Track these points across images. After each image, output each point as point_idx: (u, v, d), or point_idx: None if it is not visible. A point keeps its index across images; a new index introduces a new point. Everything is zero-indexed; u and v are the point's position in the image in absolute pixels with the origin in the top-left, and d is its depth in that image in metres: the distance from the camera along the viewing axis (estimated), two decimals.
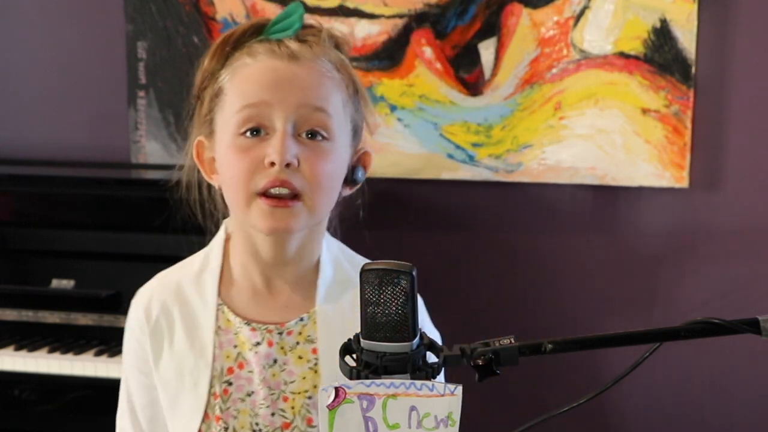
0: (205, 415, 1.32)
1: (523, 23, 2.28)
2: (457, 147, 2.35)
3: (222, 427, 1.31)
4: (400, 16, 2.34)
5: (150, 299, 1.37)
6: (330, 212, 1.37)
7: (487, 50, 2.31)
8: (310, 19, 1.35)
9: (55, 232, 2.27)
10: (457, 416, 1.01)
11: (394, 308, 1.01)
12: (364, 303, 1.02)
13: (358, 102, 1.35)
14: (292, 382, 1.31)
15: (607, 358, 2.24)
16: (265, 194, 1.25)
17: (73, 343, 2.15)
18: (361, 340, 1.03)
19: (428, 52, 2.34)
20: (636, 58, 2.24)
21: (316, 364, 1.32)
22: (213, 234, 1.42)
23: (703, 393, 2.35)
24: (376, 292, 1.01)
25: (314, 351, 1.32)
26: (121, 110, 2.55)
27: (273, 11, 2.40)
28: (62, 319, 2.17)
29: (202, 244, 1.43)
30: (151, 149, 2.53)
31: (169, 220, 2.23)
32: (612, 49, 2.25)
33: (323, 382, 1.27)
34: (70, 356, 2.09)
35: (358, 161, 1.37)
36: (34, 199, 2.36)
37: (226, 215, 1.40)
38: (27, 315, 2.19)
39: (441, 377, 1.05)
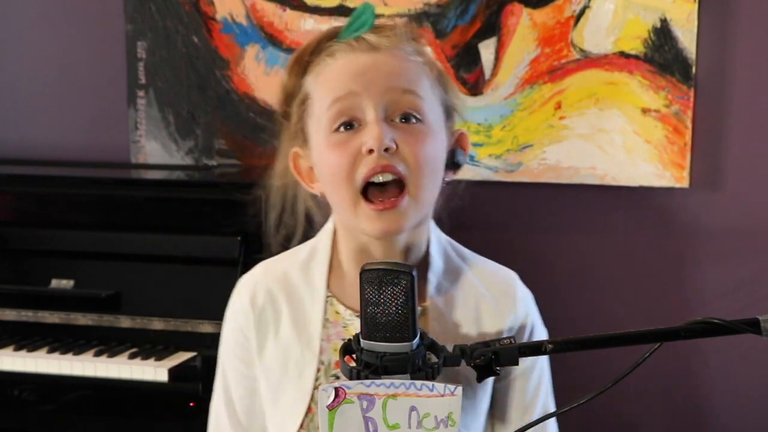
0: (308, 409, 1.28)
1: (523, 23, 2.28)
2: None
3: None
4: (400, 16, 2.34)
5: (255, 287, 1.33)
6: (435, 202, 1.33)
7: (487, 50, 2.31)
8: (381, 20, 1.33)
9: (55, 232, 2.26)
10: (457, 416, 1.01)
11: (394, 308, 1.01)
12: (364, 303, 1.02)
13: (445, 84, 1.33)
14: None
15: (607, 358, 2.23)
16: (370, 198, 1.22)
17: (72, 343, 2.15)
18: (361, 340, 1.03)
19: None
20: (636, 57, 2.23)
21: None
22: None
23: (703, 393, 2.35)
24: (376, 292, 1.01)
25: None
26: (121, 110, 2.55)
27: (273, 11, 2.40)
28: (62, 319, 2.16)
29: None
30: (150, 149, 2.53)
31: (169, 220, 2.24)
32: (612, 48, 2.25)
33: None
34: (69, 356, 2.09)
35: (456, 143, 1.34)
36: (34, 199, 2.35)
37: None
38: (27, 315, 2.19)
39: None
